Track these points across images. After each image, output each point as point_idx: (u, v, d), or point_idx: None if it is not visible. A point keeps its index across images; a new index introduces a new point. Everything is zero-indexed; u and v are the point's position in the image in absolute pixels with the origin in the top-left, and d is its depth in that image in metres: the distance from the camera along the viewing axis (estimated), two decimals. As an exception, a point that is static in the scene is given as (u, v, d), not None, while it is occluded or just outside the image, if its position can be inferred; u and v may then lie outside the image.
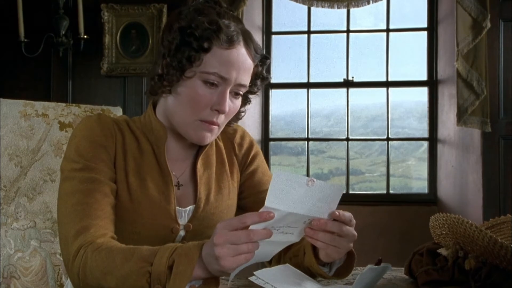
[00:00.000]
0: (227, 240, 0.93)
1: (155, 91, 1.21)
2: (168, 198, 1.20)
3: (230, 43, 1.14)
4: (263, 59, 1.24)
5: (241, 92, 1.20)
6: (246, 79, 1.19)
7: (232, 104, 1.19)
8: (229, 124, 1.29)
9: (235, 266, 0.94)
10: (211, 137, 1.20)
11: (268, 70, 1.27)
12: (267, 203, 0.92)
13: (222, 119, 1.19)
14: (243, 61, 1.16)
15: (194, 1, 1.21)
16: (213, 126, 1.18)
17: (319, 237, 1.02)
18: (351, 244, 1.06)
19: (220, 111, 1.17)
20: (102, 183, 1.15)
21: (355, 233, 1.05)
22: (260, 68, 1.24)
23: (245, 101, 1.28)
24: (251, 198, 1.33)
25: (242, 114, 1.31)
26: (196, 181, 1.26)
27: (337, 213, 1.01)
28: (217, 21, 1.14)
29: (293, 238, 1.02)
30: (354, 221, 1.04)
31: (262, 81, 1.27)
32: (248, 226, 0.94)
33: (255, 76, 1.24)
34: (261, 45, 3.84)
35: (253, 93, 1.28)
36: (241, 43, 1.16)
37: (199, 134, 1.18)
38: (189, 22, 1.14)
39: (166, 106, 1.22)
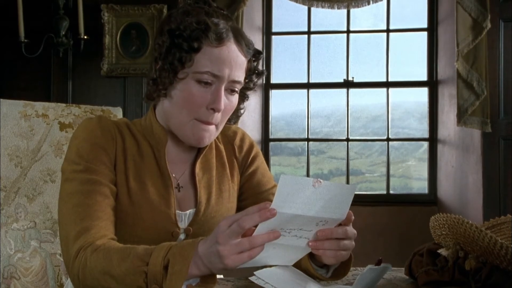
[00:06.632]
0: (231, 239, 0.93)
1: (151, 96, 1.21)
2: (168, 202, 1.20)
3: (220, 40, 1.14)
4: (256, 54, 1.24)
5: (236, 89, 1.20)
6: (239, 75, 1.19)
7: (228, 102, 1.19)
8: (229, 122, 1.28)
9: (239, 264, 0.94)
10: (209, 137, 1.20)
11: (267, 66, 1.27)
12: (273, 206, 0.91)
13: (219, 118, 1.19)
14: (234, 57, 1.16)
15: (184, 2, 1.21)
16: (210, 125, 1.18)
17: (326, 246, 1.01)
18: (353, 242, 1.05)
19: (215, 110, 1.16)
20: (102, 185, 1.15)
21: (355, 230, 1.04)
22: (254, 63, 1.24)
23: (243, 97, 1.28)
24: (250, 199, 1.32)
25: (242, 111, 1.30)
26: (196, 184, 1.25)
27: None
28: (205, 20, 1.14)
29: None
30: (352, 217, 1.04)
31: (258, 76, 1.26)
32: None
33: (250, 71, 1.24)
34: (261, 45, 3.84)
35: (250, 89, 1.28)
36: (231, 40, 1.17)
37: (196, 135, 1.18)
38: (178, 24, 1.15)
39: (164, 109, 1.22)
